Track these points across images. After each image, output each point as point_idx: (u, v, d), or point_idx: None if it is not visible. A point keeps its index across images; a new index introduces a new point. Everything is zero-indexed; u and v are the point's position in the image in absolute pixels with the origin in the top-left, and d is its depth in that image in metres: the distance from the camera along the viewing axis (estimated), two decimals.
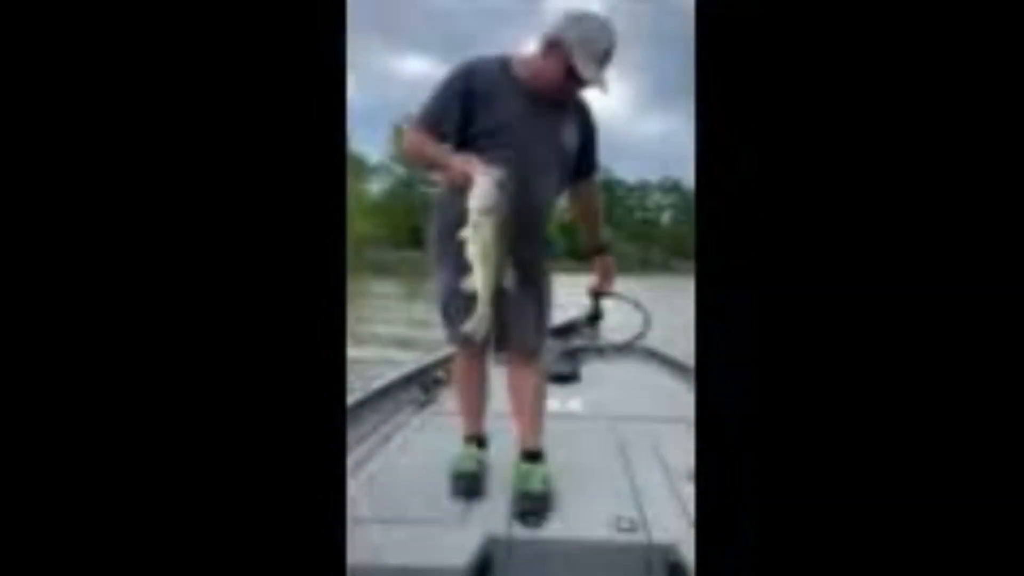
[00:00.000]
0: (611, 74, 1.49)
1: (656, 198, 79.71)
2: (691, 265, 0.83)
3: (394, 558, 1.28)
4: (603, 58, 1.46)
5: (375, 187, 53.18)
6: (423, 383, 2.79)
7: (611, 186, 68.90)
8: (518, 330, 1.63)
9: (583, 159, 1.67)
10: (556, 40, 1.46)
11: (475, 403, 1.79)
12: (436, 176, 1.65)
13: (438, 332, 1.83)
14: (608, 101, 1.55)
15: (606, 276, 1.89)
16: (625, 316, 3.70)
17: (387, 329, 9.04)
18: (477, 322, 1.46)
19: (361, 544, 1.28)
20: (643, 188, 79.89)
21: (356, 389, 2.41)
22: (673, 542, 1.36)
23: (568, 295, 2.67)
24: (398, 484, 1.69)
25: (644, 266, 56.00)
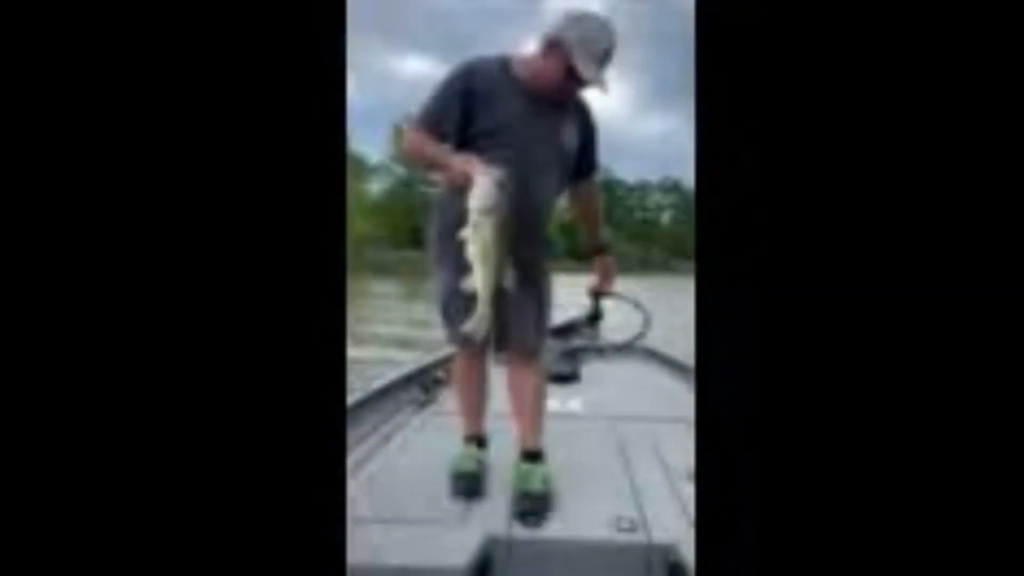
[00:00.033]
0: (611, 74, 1.49)
1: (656, 198, 79.76)
2: (691, 265, 0.83)
3: (394, 558, 1.28)
4: (603, 58, 1.46)
5: (375, 187, 53.24)
6: (423, 383, 2.79)
7: (611, 186, 68.93)
8: (518, 330, 1.63)
9: (583, 159, 1.67)
10: (556, 40, 1.46)
11: (475, 403, 1.79)
12: (436, 176, 1.65)
13: (438, 332, 1.83)
14: (608, 101, 1.55)
15: (606, 276, 1.89)
16: (625, 316, 3.70)
17: (387, 329, 9.04)
18: (477, 322, 1.46)
19: (361, 544, 1.28)
20: (643, 188, 79.95)
21: (356, 389, 2.42)
22: (673, 542, 1.36)
23: (568, 295, 2.67)
24: (398, 484, 1.69)
25: (644, 266, 56.02)
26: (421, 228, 2.14)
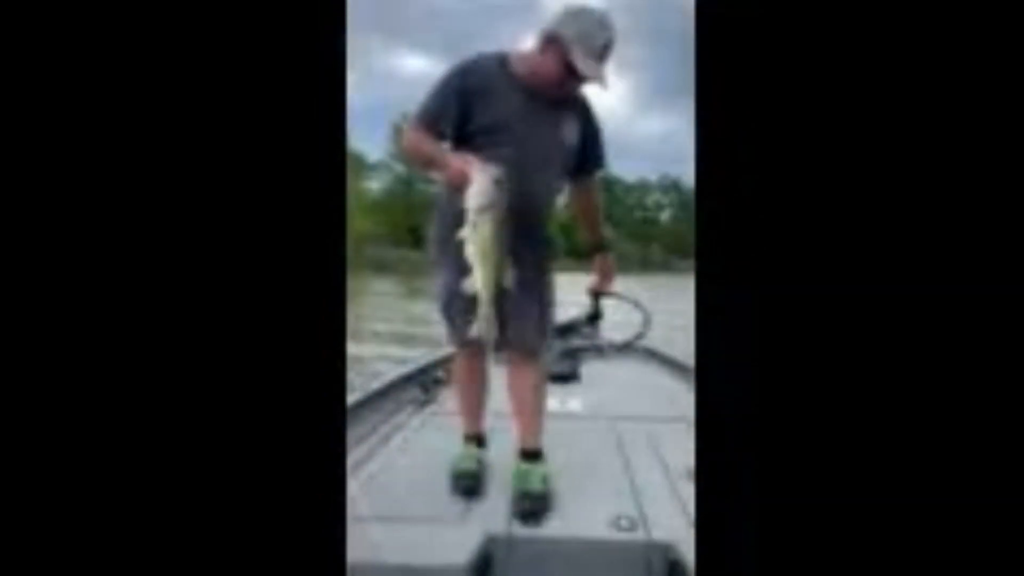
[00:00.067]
0: (610, 70, 1.48)
1: (655, 197, 79.82)
2: (691, 263, 0.83)
3: (394, 557, 1.28)
4: (602, 53, 1.45)
5: (375, 185, 53.31)
6: (423, 383, 2.79)
7: (610, 185, 68.97)
8: (519, 329, 1.63)
9: (586, 155, 1.66)
10: (554, 36, 1.45)
11: (475, 403, 1.79)
12: (435, 175, 1.65)
13: (438, 329, 1.83)
14: (607, 99, 1.57)
15: (606, 275, 1.89)
16: (625, 316, 3.71)
17: (386, 327, 9.04)
18: (482, 323, 1.45)
19: (361, 543, 1.28)
20: (643, 187, 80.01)
21: (355, 386, 2.42)
22: (672, 541, 1.36)
23: (568, 295, 2.68)
24: (398, 483, 1.69)
25: (644, 266, 56.06)
26: (420, 226, 2.14)
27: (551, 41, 1.46)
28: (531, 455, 1.65)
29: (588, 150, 1.67)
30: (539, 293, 1.64)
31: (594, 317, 2.33)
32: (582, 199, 1.77)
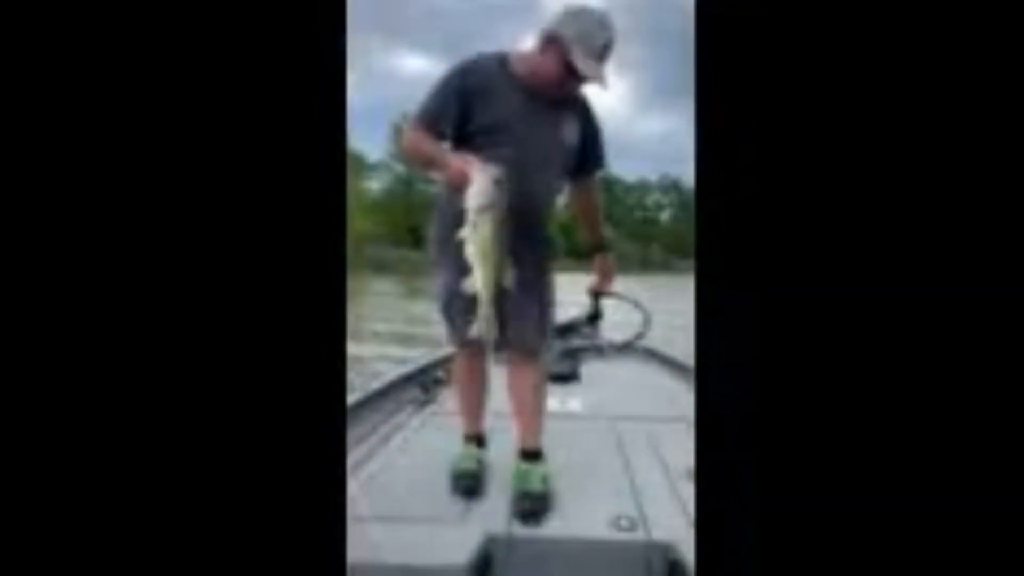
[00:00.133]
0: (610, 71, 1.48)
1: (655, 197, 79.85)
2: (691, 263, 0.83)
3: (394, 557, 1.28)
4: (602, 53, 1.45)
5: (375, 185, 53.32)
6: (423, 383, 2.79)
7: (610, 185, 69.00)
8: (519, 329, 1.63)
9: (586, 155, 1.66)
10: (554, 36, 1.45)
11: (475, 403, 1.79)
12: (435, 175, 1.65)
13: (438, 329, 1.83)
14: (607, 99, 1.57)
15: (606, 275, 1.89)
16: (625, 316, 3.71)
17: (386, 327, 9.04)
18: (482, 323, 1.45)
19: (361, 543, 1.28)
20: (643, 187, 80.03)
21: (355, 386, 2.42)
22: (672, 541, 1.37)
23: (568, 295, 2.68)
24: (398, 483, 1.69)
25: (644, 266, 56.07)
26: (420, 226, 2.14)
27: (551, 41, 1.46)
28: (531, 455, 1.65)
29: (588, 150, 1.67)
30: (539, 293, 1.64)
31: (594, 317, 2.33)
32: (582, 199, 1.78)
